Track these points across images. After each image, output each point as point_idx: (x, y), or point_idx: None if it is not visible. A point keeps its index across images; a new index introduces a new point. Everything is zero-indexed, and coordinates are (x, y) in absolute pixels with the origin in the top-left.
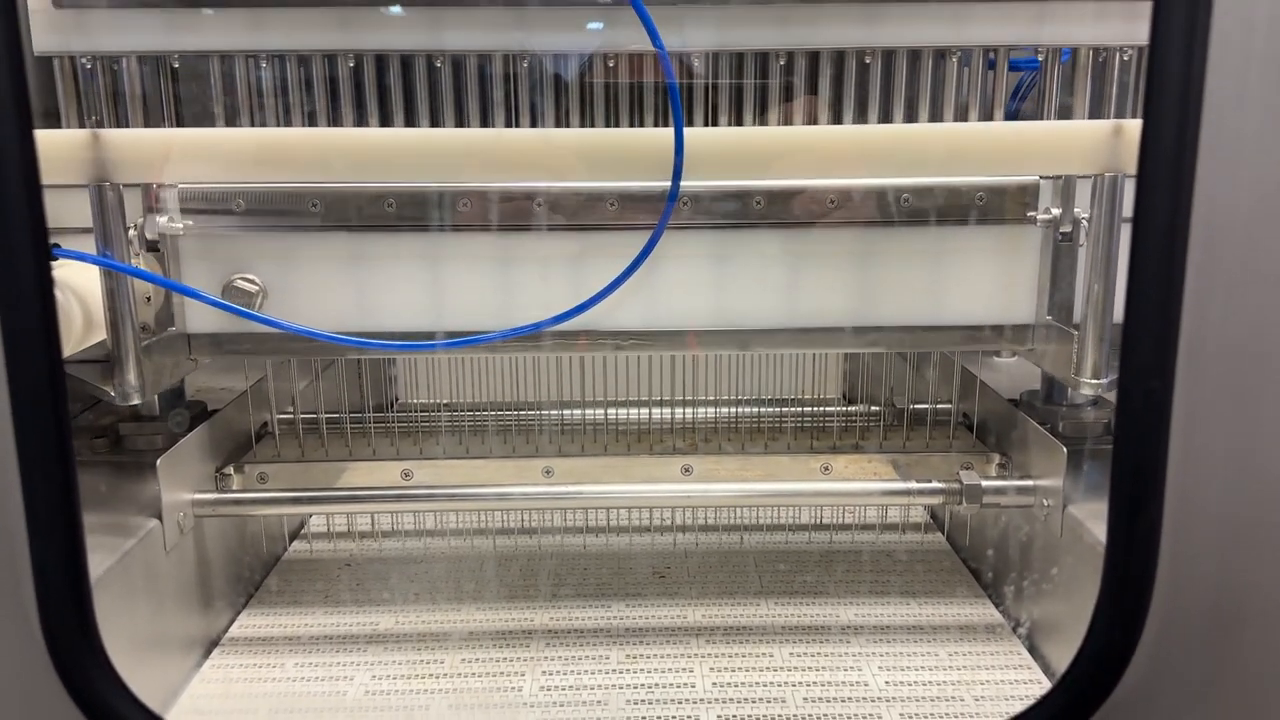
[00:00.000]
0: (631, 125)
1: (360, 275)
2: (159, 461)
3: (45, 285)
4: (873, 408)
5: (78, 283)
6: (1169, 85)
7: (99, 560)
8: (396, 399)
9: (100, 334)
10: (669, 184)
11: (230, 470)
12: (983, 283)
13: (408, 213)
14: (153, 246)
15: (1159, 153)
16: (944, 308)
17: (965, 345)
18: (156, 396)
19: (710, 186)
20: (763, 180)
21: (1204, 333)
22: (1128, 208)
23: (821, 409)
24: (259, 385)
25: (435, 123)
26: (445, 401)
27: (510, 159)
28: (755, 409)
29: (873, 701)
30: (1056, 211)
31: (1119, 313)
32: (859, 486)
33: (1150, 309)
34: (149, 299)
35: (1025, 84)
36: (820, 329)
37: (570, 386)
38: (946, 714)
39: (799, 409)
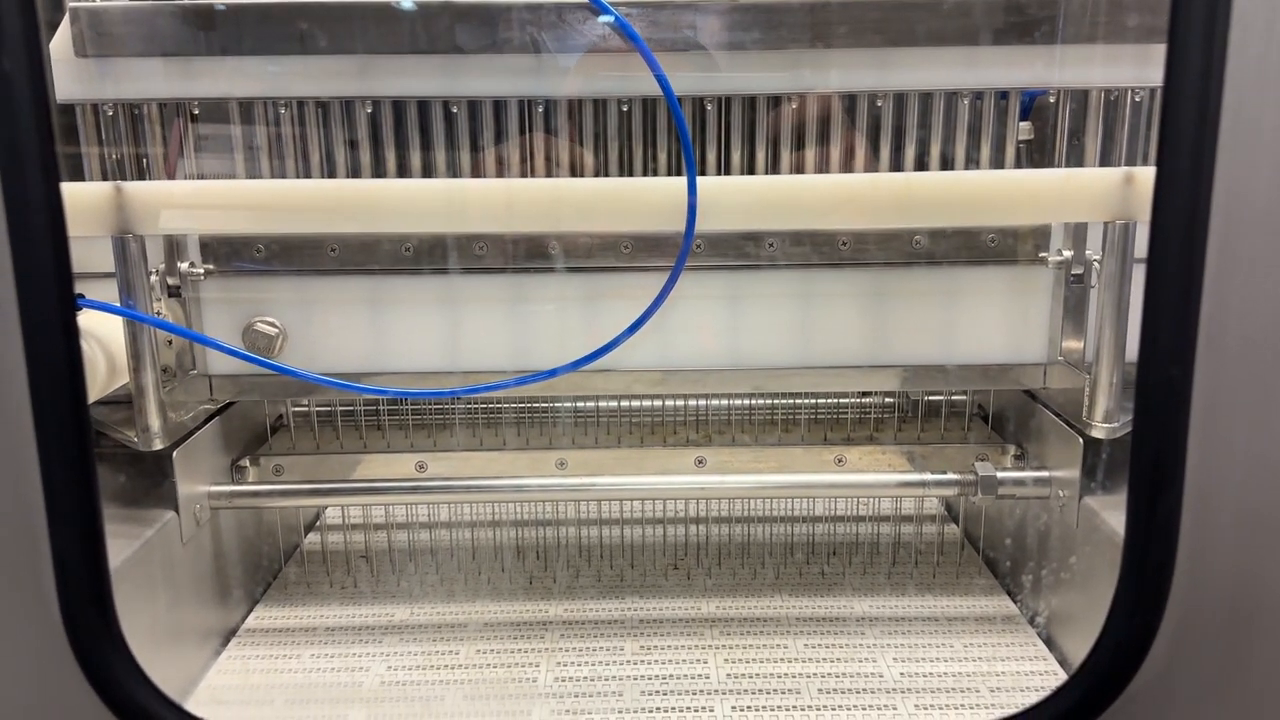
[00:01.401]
0: (645, 162)
1: (378, 317)
2: (175, 454)
3: (70, 321)
4: (887, 399)
5: (101, 330)
6: (1188, 61)
7: (116, 552)
8: None
9: (123, 378)
10: (682, 229)
11: (246, 462)
12: (995, 323)
13: (424, 256)
14: (174, 292)
15: (1180, 139)
16: (956, 347)
17: (978, 384)
18: None
19: (723, 229)
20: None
21: (1224, 320)
22: (1139, 250)
23: (836, 400)
24: None
25: (451, 164)
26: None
27: (521, 210)
28: (769, 400)
29: (888, 693)
30: (1068, 254)
31: (1131, 352)
32: (873, 478)
33: (1170, 296)
34: (170, 341)
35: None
36: (833, 367)
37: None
38: (962, 705)
39: (813, 400)
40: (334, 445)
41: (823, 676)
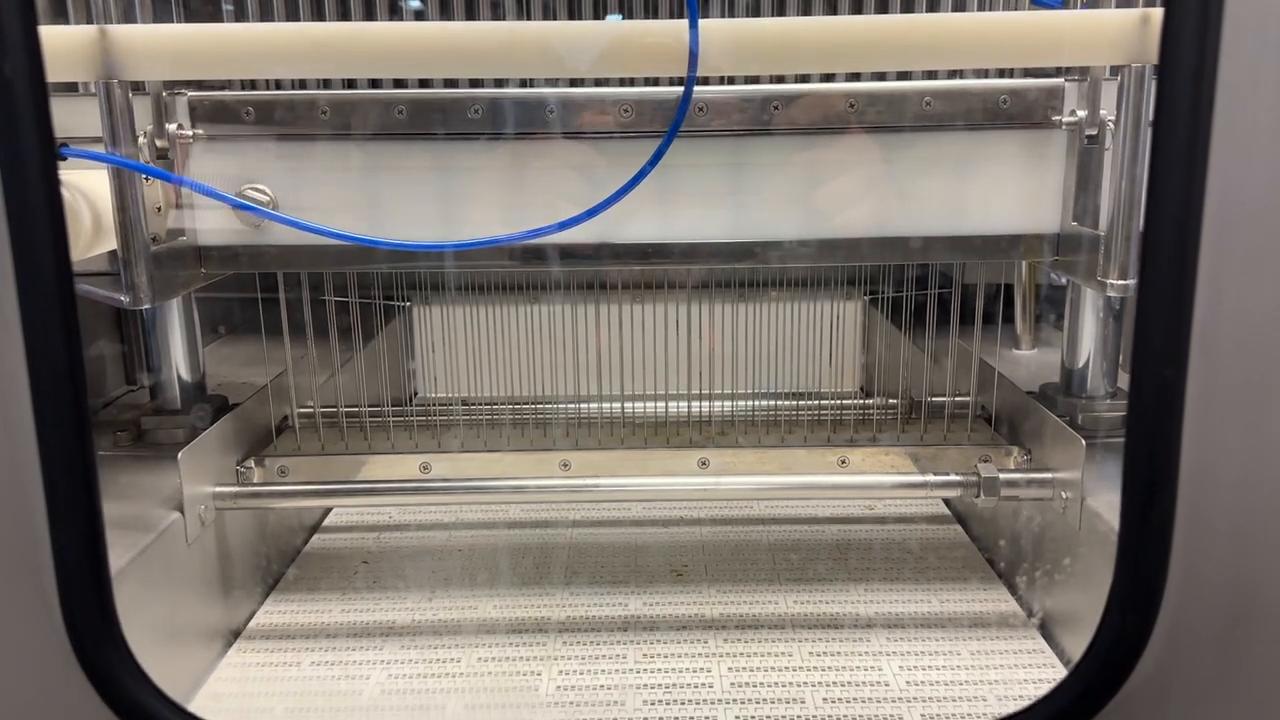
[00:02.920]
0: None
1: (370, 186)
2: (180, 454)
3: (54, 186)
4: (890, 400)
5: (86, 187)
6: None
7: (120, 553)
8: (415, 393)
9: (109, 241)
10: (682, 88)
11: (251, 463)
12: (1007, 190)
13: (417, 119)
14: (162, 155)
15: (1173, 136)
16: (968, 217)
17: (989, 256)
18: (178, 390)
19: (726, 91)
20: (779, 84)
21: (1217, 320)
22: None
23: (838, 402)
24: (279, 379)
25: (447, 18)
26: (463, 396)
27: (514, 54)
28: (772, 402)
29: (893, 702)
30: (1082, 114)
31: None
32: (877, 479)
33: (1163, 296)
34: (159, 209)
35: None
36: (840, 240)
37: (587, 380)
38: (969, 714)
39: (816, 402)
40: (338, 446)
41: (828, 685)
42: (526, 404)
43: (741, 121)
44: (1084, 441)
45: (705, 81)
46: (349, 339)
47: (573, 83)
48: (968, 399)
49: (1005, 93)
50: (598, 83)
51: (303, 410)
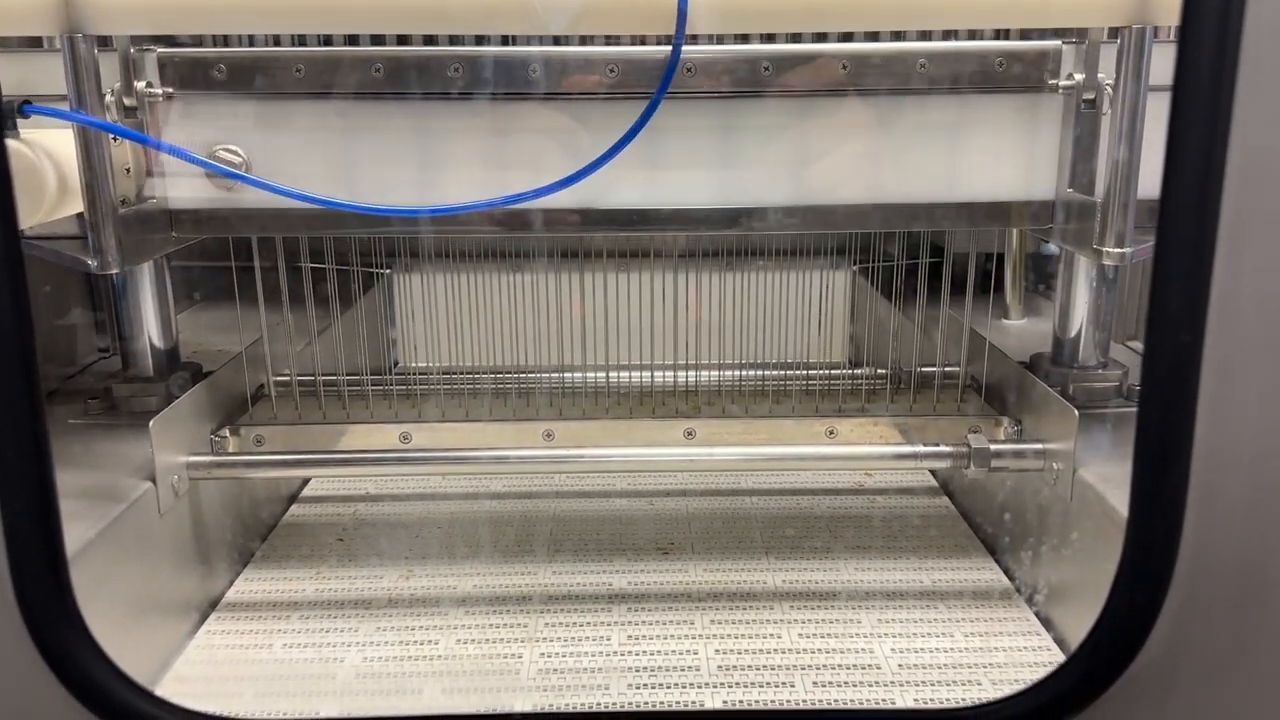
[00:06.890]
0: None
1: (347, 147)
2: (152, 423)
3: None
4: (879, 371)
5: (51, 146)
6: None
7: (90, 523)
8: (395, 362)
9: (75, 204)
10: (669, 47)
11: (226, 432)
12: (1002, 155)
13: (395, 78)
14: (131, 114)
15: (1195, 87)
16: (961, 183)
17: (982, 223)
18: (151, 357)
19: (715, 51)
20: (770, 45)
21: (1237, 283)
22: (1153, 74)
23: (827, 372)
24: (255, 347)
25: None
26: (444, 365)
27: (495, 12)
28: (759, 372)
29: (885, 686)
30: (1080, 77)
31: (1143, 187)
32: (865, 450)
33: (1181, 258)
34: (129, 170)
35: None
36: (831, 206)
37: (571, 349)
38: (963, 699)
39: (804, 372)
40: (316, 416)
41: (818, 669)
42: (509, 373)
43: (730, 83)
44: (1077, 412)
45: (694, 40)
46: (327, 306)
47: (556, 40)
48: (957, 369)
49: (1000, 55)
50: (583, 40)
51: (279, 379)
